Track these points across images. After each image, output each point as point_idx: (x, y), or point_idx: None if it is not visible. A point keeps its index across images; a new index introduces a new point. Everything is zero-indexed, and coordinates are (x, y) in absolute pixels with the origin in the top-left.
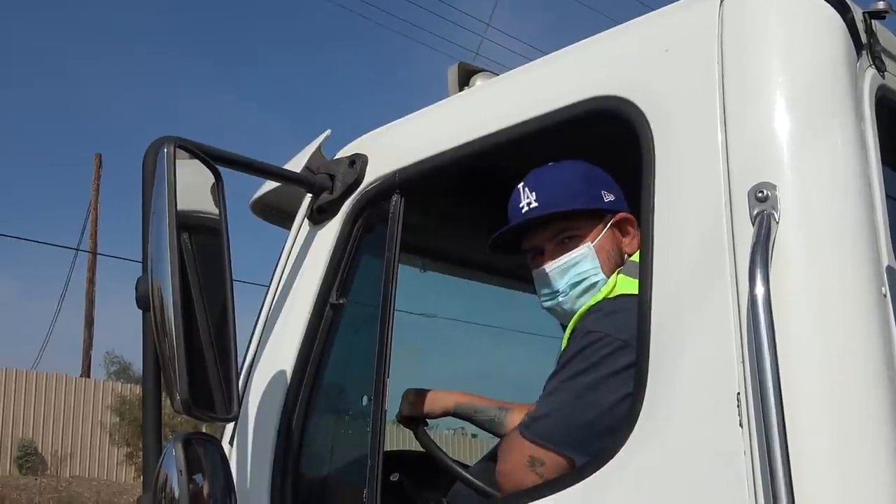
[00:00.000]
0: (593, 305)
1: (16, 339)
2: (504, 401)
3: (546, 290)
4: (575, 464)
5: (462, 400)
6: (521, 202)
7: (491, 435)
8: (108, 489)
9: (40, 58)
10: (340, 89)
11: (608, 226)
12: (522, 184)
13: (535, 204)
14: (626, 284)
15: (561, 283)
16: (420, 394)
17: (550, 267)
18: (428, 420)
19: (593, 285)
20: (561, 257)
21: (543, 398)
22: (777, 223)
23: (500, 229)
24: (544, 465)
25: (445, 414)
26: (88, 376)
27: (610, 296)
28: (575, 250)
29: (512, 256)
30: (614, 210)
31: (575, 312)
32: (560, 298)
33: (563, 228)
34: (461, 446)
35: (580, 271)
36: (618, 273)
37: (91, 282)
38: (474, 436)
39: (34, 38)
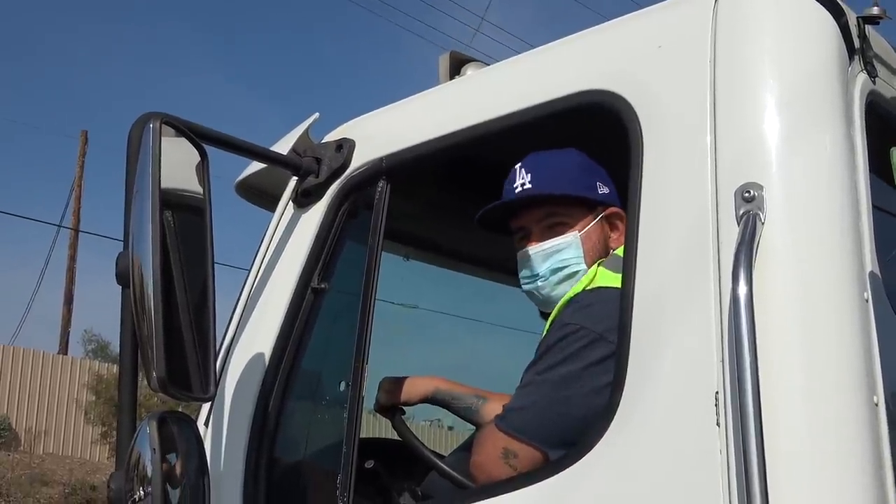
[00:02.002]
0: (571, 298)
1: None
2: (483, 390)
3: (527, 273)
4: (548, 457)
5: (441, 386)
6: (515, 182)
7: (467, 424)
8: (82, 468)
9: (25, 30)
10: (329, 73)
11: (598, 218)
12: (520, 164)
13: (528, 185)
14: (606, 277)
15: (542, 268)
16: (397, 382)
17: (534, 249)
18: (405, 408)
19: (574, 274)
20: (546, 241)
21: (519, 390)
22: (763, 224)
23: (489, 205)
24: (518, 457)
25: (424, 400)
26: (66, 353)
27: (588, 288)
28: (561, 237)
29: (496, 247)
30: (606, 203)
31: (551, 299)
32: (539, 283)
33: (552, 213)
34: (437, 438)
35: (563, 258)
36: (598, 265)
37: (72, 259)
38: (450, 427)
39: (18, 9)
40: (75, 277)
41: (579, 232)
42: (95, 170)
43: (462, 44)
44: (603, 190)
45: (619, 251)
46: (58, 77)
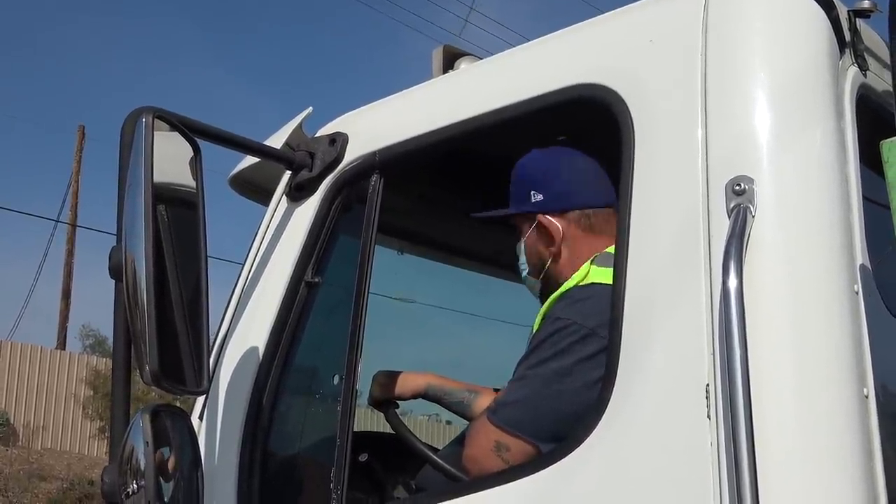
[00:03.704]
0: (564, 292)
1: None
2: (475, 384)
3: None
4: (540, 450)
5: (433, 382)
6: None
7: (463, 420)
8: (80, 463)
9: (24, 25)
10: (329, 68)
11: (532, 227)
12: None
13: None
14: (598, 274)
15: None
16: (391, 376)
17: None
18: (399, 403)
19: (525, 279)
20: (517, 243)
21: (511, 384)
22: (753, 217)
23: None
24: (510, 450)
25: (416, 396)
26: (63, 348)
27: (582, 283)
28: (518, 243)
29: (489, 241)
30: (536, 212)
31: (532, 293)
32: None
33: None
34: (436, 432)
35: (520, 262)
36: (591, 262)
37: (70, 253)
38: (448, 422)
39: (17, 3)
40: (73, 272)
41: (523, 241)
42: (94, 165)
43: (461, 39)
44: (536, 198)
45: (611, 249)
46: (57, 72)
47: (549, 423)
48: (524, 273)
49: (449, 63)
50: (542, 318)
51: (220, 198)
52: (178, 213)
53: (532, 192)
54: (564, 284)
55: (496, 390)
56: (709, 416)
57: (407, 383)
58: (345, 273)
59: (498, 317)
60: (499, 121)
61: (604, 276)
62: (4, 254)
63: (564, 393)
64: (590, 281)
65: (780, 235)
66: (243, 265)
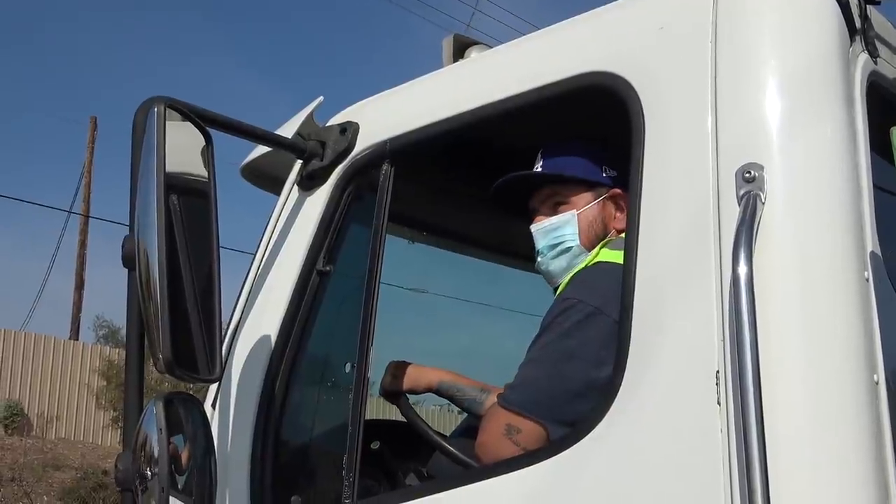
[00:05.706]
0: (574, 275)
1: (5, 300)
2: (486, 383)
3: (536, 250)
4: (549, 431)
5: (445, 378)
6: (534, 166)
7: None
8: (94, 452)
9: (38, 15)
10: (340, 58)
11: (600, 199)
12: (541, 149)
13: (539, 169)
14: (607, 255)
15: (542, 244)
16: (404, 368)
17: (535, 227)
18: (410, 396)
19: (567, 249)
20: (546, 220)
21: (521, 367)
22: (763, 204)
23: (501, 180)
24: (520, 432)
25: (428, 391)
26: (77, 339)
27: (590, 265)
28: (559, 215)
29: (500, 229)
30: (611, 185)
31: (551, 274)
32: (539, 258)
33: (554, 194)
34: (448, 422)
35: (558, 234)
36: (601, 246)
37: (83, 244)
38: (461, 412)
39: None
40: (86, 263)
41: (577, 211)
42: (107, 155)
43: (471, 28)
44: (610, 173)
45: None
46: (70, 62)
47: (558, 402)
48: (573, 243)
49: (459, 52)
50: (554, 301)
51: (231, 187)
52: (190, 203)
53: (605, 167)
54: (576, 267)
55: None
56: (719, 403)
57: (419, 377)
58: (356, 262)
59: (508, 306)
60: (509, 109)
61: (612, 257)
62: (18, 244)
63: (572, 372)
64: (597, 261)
65: (790, 222)
66: (255, 254)
